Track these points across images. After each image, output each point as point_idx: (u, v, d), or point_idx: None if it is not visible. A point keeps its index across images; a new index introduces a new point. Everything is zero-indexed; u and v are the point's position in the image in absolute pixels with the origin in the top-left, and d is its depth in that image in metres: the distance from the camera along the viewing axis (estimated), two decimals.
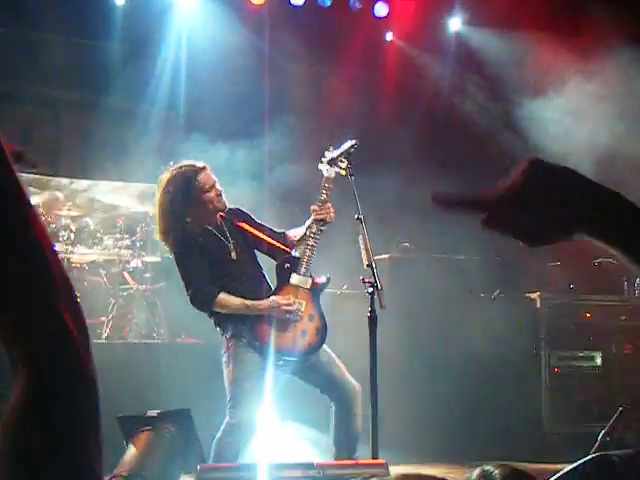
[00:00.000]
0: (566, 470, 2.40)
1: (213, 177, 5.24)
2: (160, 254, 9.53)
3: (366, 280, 5.05)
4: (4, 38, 9.65)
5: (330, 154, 5.30)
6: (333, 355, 5.26)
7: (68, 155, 9.94)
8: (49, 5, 9.29)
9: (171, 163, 9.26)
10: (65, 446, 1.11)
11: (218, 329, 5.26)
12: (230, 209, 5.40)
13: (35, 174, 9.77)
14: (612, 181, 1.32)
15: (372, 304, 4.99)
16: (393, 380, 5.55)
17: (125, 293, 9.22)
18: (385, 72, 10.22)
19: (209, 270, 5.18)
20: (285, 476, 4.27)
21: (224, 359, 5.16)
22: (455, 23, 10.49)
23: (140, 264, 9.48)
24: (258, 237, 5.38)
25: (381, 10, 10.24)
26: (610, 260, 8.74)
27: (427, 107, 10.11)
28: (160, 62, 9.99)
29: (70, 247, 9.10)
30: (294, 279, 5.21)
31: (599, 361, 8.32)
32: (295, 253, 5.31)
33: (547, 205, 1.25)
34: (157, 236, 5.34)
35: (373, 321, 4.99)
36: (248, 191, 8.03)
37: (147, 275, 9.43)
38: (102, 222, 9.84)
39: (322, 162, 5.30)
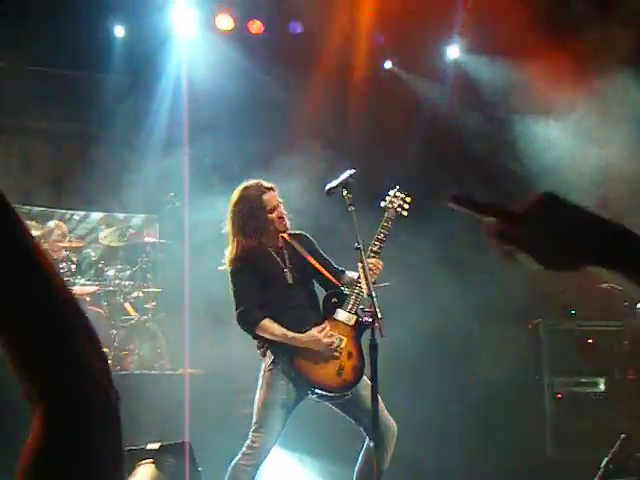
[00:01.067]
0: None
1: (278, 199, 5.34)
2: (162, 285, 9.54)
3: (366, 309, 5.05)
4: (3, 72, 9.70)
5: (329, 184, 5.33)
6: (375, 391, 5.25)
7: (69, 187, 9.96)
8: (48, 38, 9.34)
9: (171, 194, 9.37)
10: None
11: (259, 350, 5.28)
12: (295, 234, 5.51)
13: (36, 207, 9.81)
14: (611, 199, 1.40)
15: (372, 333, 4.99)
16: (393, 403, 5.51)
17: (127, 324, 9.20)
18: (385, 100, 10.25)
19: (261, 292, 5.23)
20: None
21: (259, 382, 5.21)
22: (453, 51, 10.53)
23: (141, 294, 9.47)
24: (315, 267, 5.40)
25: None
26: (612, 285, 8.74)
27: (426, 134, 10.13)
28: (160, 92, 10.03)
29: (71, 279, 9.09)
30: (339, 315, 5.25)
31: (602, 386, 8.31)
32: (345, 289, 5.33)
33: (553, 236, 1.35)
34: (228, 256, 5.36)
35: (374, 349, 4.99)
36: None
37: (148, 305, 9.42)
38: (103, 253, 9.84)
39: (385, 201, 5.40)
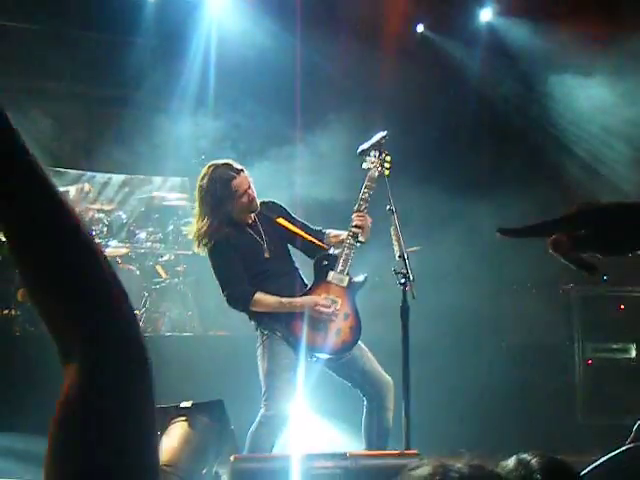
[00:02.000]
0: (601, 461, 2.39)
1: (248, 181, 5.24)
2: (192, 247, 9.58)
3: (398, 271, 5.05)
4: (36, 35, 9.74)
5: (361, 146, 5.31)
6: (366, 350, 5.26)
7: (100, 151, 10.00)
8: (80, 2, 9.35)
9: (202, 157, 9.39)
10: (120, 442, 1.09)
11: (253, 323, 5.28)
12: (265, 202, 5.41)
13: (68, 169, 9.87)
14: None
15: (404, 295, 4.99)
16: (424, 371, 5.53)
17: (158, 286, 9.26)
18: (416, 64, 10.16)
19: (243, 269, 5.21)
20: (318, 467, 4.27)
21: (259, 352, 5.19)
22: (486, 14, 10.43)
23: (173, 257, 9.53)
24: (294, 232, 5.38)
25: None
26: None
27: (458, 100, 10.06)
28: (191, 58, 10.02)
29: (103, 241, 9.16)
30: (331, 276, 5.22)
31: (634, 353, 8.27)
32: (333, 251, 5.31)
33: (602, 238, 1.42)
34: (189, 235, 5.35)
35: (405, 312, 4.99)
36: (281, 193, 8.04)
37: (179, 268, 9.47)
38: (135, 216, 9.90)
39: (365, 160, 5.34)
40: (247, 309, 5.18)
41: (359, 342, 5.24)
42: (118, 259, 9.31)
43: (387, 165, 5.37)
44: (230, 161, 5.31)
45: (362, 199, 5.25)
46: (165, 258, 9.55)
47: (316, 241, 5.37)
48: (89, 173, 10.17)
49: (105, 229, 9.29)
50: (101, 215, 9.40)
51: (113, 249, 9.30)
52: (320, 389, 5.71)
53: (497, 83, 9.99)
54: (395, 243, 5.10)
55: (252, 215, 5.33)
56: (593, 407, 7.97)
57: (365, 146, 5.28)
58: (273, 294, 5.13)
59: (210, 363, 7.50)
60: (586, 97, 9.32)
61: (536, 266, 8.73)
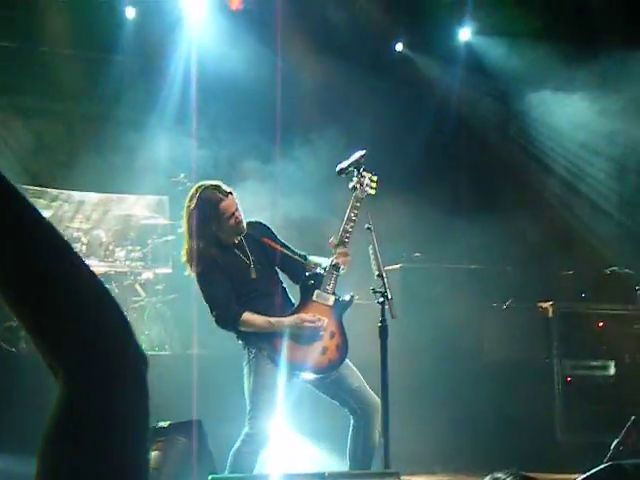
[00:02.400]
0: (581, 478, 2.40)
1: (236, 203, 5.24)
2: (172, 266, 9.55)
3: (377, 290, 5.04)
4: (16, 53, 9.72)
5: (340, 165, 5.32)
6: (354, 369, 5.25)
7: (79, 168, 9.95)
8: (60, 19, 9.34)
9: (182, 175, 9.37)
10: (105, 451, 1.08)
11: (240, 342, 5.27)
12: (251, 222, 5.42)
13: (46, 187, 9.82)
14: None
15: (383, 314, 4.99)
16: (403, 390, 5.53)
17: (137, 305, 9.21)
18: (395, 82, 10.21)
19: (231, 289, 5.20)
20: None
21: (245, 371, 5.19)
22: (464, 33, 10.49)
23: (152, 276, 9.49)
24: (279, 252, 5.37)
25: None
26: (622, 269, 8.73)
27: (437, 117, 10.11)
28: (171, 74, 10.02)
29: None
30: (316, 295, 5.22)
31: (612, 370, 8.29)
32: (319, 270, 5.31)
33: None
34: (183, 258, 5.34)
35: (384, 331, 4.99)
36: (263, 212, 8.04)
37: (159, 287, 9.43)
38: (114, 234, 9.85)
39: (350, 180, 5.36)
40: (236, 329, 5.18)
41: (347, 362, 5.24)
42: None
43: (373, 185, 5.40)
44: (219, 183, 5.31)
45: (350, 219, 5.24)
46: (144, 276, 9.51)
47: (301, 260, 5.37)
48: (66, 191, 10.12)
49: (84, 248, 9.24)
50: (79, 234, 9.36)
51: (92, 268, 9.23)
52: (302, 408, 5.69)
53: (476, 101, 10.05)
54: (373, 261, 5.11)
55: (238, 236, 5.33)
56: (572, 424, 7.98)
57: (344, 165, 5.29)
58: (261, 314, 5.13)
59: (188, 382, 7.45)
60: (564, 114, 9.41)
61: (515, 283, 8.78)
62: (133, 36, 10.02)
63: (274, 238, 5.47)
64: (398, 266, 8.59)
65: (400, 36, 10.65)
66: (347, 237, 5.23)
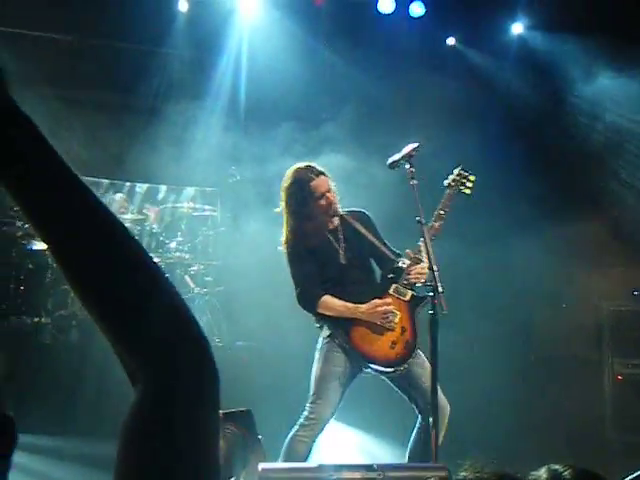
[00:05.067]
0: (633, 476, 2.37)
1: (328, 184, 5.34)
2: (221, 258, 9.60)
3: (428, 283, 5.03)
4: (69, 46, 9.83)
5: (391, 158, 5.30)
6: (428, 367, 5.22)
7: (131, 159, 10.05)
8: (113, 14, 9.43)
9: (232, 168, 9.41)
10: (187, 450, 1.09)
11: (317, 326, 5.33)
12: (354, 211, 5.51)
13: (97, 178, 9.93)
14: None
15: (434, 307, 4.96)
16: (453, 382, 5.49)
17: (186, 296, 9.28)
18: (446, 76, 10.15)
19: (318, 272, 5.26)
20: (345, 477, 4.26)
21: (316, 356, 5.25)
22: (517, 27, 10.41)
23: (201, 267, 9.56)
24: (375, 245, 5.40)
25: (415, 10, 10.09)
26: None
27: (490, 111, 10.03)
28: (222, 67, 10.07)
29: None
30: (394, 290, 5.24)
31: None
32: (402, 264, 5.31)
33: None
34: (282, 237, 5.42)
35: (434, 324, 4.96)
36: None
37: (208, 279, 9.50)
38: (165, 226, 9.93)
39: (447, 179, 5.37)
40: (314, 310, 5.24)
41: (423, 359, 5.23)
42: None
43: (469, 185, 5.39)
44: (312, 163, 5.45)
45: (439, 216, 5.23)
46: (194, 268, 9.58)
47: (393, 258, 5.38)
48: (119, 183, 10.23)
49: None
50: (130, 225, 9.44)
51: None
52: (357, 399, 5.69)
53: (528, 95, 9.95)
54: (424, 255, 5.09)
55: (334, 220, 5.38)
56: (622, 423, 7.89)
57: (396, 157, 5.26)
58: (346, 298, 5.18)
59: (237, 373, 7.51)
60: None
61: (568, 281, 8.69)
62: (185, 29, 10.08)
63: (374, 230, 5.51)
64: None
65: (452, 31, 10.58)
66: (434, 234, 5.22)
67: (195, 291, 9.32)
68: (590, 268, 9.02)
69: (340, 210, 5.42)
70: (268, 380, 7.13)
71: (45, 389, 7.26)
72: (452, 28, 10.53)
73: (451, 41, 10.63)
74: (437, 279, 4.97)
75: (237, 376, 7.42)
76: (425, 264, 5.16)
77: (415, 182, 5.16)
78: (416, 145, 5.23)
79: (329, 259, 5.33)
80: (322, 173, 5.35)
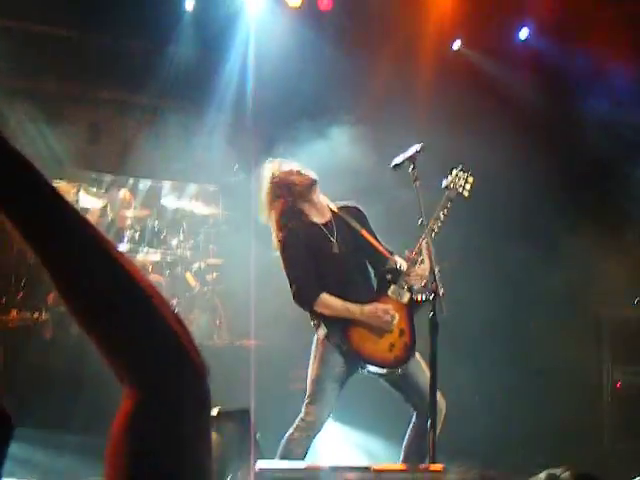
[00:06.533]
0: None
1: (311, 176, 5.37)
2: (223, 256, 9.61)
3: (428, 286, 5.03)
4: (76, 42, 9.83)
5: (395, 159, 5.30)
6: (424, 367, 5.23)
7: (135, 157, 10.06)
8: (120, 11, 9.42)
9: (236, 166, 9.42)
10: (178, 467, 1.10)
11: (312, 324, 5.30)
12: (347, 207, 5.51)
13: (103, 173, 9.95)
14: None
15: (434, 309, 4.97)
16: (450, 390, 5.49)
17: (187, 294, 9.29)
18: (451, 80, 10.14)
19: (314, 268, 5.23)
20: (341, 478, 4.26)
21: (312, 356, 5.24)
22: (523, 32, 10.40)
23: (203, 266, 9.57)
24: (367, 240, 5.39)
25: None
26: None
27: (495, 115, 10.02)
28: (228, 66, 10.07)
29: (135, 247, 9.21)
30: (392, 291, 5.22)
31: None
32: (399, 266, 5.30)
33: None
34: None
35: (435, 327, 4.96)
36: None
37: (209, 277, 9.50)
38: (167, 223, 9.95)
39: (446, 180, 5.37)
40: (311, 308, 5.21)
41: (419, 359, 5.23)
42: (149, 266, 9.35)
43: (468, 187, 5.39)
44: (293, 166, 5.48)
45: (438, 219, 5.20)
46: (195, 266, 9.59)
47: (386, 254, 5.37)
48: (121, 178, 10.24)
49: (137, 235, 9.34)
50: (133, 221, 9.46)
51: (145, 255, 9.34)
52: (353, 400, 5.70)
53: (535, 101, 9.93)
54: (426, 258, 5.09)
55: (328, 213, 5.39)
56: (621, 431, 7.89)
57: (399, 159, 5.26)
58: (343, 296, 5.17)
59: (237, 372, 7.51)
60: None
61: (568, 287, 8.68)
62: (191, 28, 10.08)
63: (368, 227, 5.50)
64: (446, 263, 8.55)
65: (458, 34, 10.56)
66: (433, 235, 5.20)
67: (196, 289, 9.33)
68: (592, 274, 9.01)
69: (332, 205, 5.42)
70: (269, 379, 7.13)
71: (45, 384, 7.27)
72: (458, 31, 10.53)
73: (457, 45, 10.63)
74: (438, 282, 4.97)
75: (237, 374, 7.43)
76: (425, 266, 5.16)
77: (418, 184, 5.17)
78: (419, 147, 5.23)
79: (321, 249, 5.30)
80: (302, 172, 5.38)
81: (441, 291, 4.97)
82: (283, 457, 4.92)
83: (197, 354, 1.17)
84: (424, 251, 5.12)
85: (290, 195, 5.29)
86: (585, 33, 9.43)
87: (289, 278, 5.24)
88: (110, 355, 1.14)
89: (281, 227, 5.29)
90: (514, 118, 9.81)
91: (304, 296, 5.19)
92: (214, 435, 4.36)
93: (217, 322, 9.14)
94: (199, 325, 9.01)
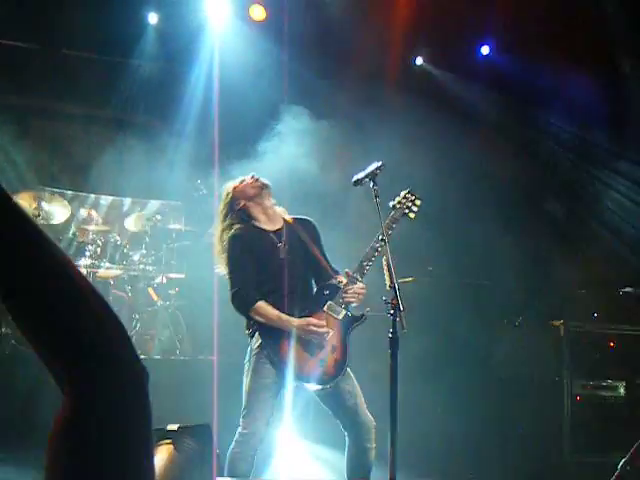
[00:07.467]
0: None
1: (262, 181, 5.42)
2: (185, 271, 9.58)
3: (388, 301, 5.03)
4: (38, 55, 9.79)
5: (356, 176, 5.31)
6: (355, 385, 5.21)
7: (98, 172, 10.02)
8: (83, 24, 9.40)
9: (199, 181, 9.40)
10: (113, 465, 1.10)
11: (246, 333, 5.29)
12: (301, 219, 5.53)
13: (63, 189, 9.88)
14: None
15: (394, 326, 4.96)
16: (411, 404, 5.51)
17: (149, 309, 9.25)
18: (414, 96, 10.21)
19: (255, 275, 5.22)
20: None
21: (245, 368, 5.21)
22: (484, 49, 10.51)
23: (165, 280, 9.53)
24: (314, 255, 5.40)
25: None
26: (637, 290, 8.69)
27: (455, 130, 10.10)
28: (192, 81, 10.06)
29: (96, 262, 9.16)
30: (329, 307, 5.23)
31: (622, 391, 8.25)
32: (337, 282, 5.31)
33: None
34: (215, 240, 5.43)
35: (395, 343, 4.96)
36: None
37: (171, 292, 9.47)
38: (129, 238, 9.90)
39: (394, 200, 5.39)
40: (247, 314, 5.19)
41: (350, 377, 5.23)
42: (111, 281, 9.30)
43: (415, 209, 5.40)
44: (248, 178, 5.49)
45: (381, 239, 5.20)
46: (157, 281, 9.55)
47: (329, 271, 5.38)
48: (83, 194, 10.18)
49: (99, 250, 9.29)
50: (95, 236, 9.41)
51: (106, 270, 9.30)
52: (310, 414, 5.69)
53: (496, 118, 10.04)
54: (386, 273, 5.09)
55: (280, 223, 5.42)
56: (580, 443, 7.94)
57: (360, 176, 5.26)
58: (280, 307, 5.14)
59: (198, 386, 7.48)
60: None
61: (527, 301, 8.76)
62: (155, 41, 10.08)
63: (318, 241, 5.52)
64: (411, 279, 8.59)
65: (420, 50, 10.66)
66: (374, 255, 5.21)
67: (158, 304, 9.29)
68: (551, 288, 9.09)
69: (288, 216, 5.46)
70: (228, 394, 7.10)
71: (1, 400, 7.20)
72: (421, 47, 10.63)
73: (419, 61, 10.72)
74: (399, 297, 4.98)
75: (200, 389, 7.40)
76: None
77: (378, 200, 5.19)
78: (380, 164, 5.24)
79: (267, 252, 5.30)
80: (264, 187, 5.43)
81: (402, 306, 4.97)
82: (231, 474, 4.88)
83: (134, 361, 1.17)
84: (384, 266, 5.12)
85: (243, 199, 5.35)
86: (546, 50, 9.54)
87: (229, 279, 5.23)
88: (43, 352, 1.14)
89: (225, 228, 5.32)
90: (475, 133, 9.90)
91: (242, 300, 5.16)
92: (173, 451, 4.34)
93: (179, 337, 9.10)
94: (161, 340, 8.97)
